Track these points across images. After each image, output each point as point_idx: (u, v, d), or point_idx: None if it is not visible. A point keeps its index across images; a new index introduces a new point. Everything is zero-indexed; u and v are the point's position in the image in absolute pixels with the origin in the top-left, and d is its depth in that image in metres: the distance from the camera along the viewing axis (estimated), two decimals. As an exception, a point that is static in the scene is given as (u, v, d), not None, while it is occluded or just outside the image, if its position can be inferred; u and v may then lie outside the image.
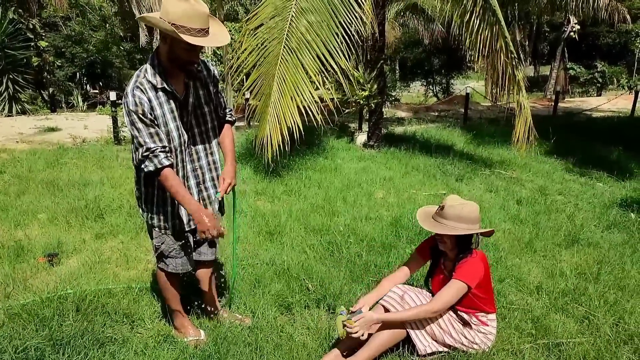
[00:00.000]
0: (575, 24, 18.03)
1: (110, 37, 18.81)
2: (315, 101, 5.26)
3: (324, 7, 5.63)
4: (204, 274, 2.74)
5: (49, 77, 15.01)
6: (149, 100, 2.18)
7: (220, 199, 2.43)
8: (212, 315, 2.78)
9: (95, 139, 8.75)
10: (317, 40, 5.49)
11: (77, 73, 17.78)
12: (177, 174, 2.30)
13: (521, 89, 6.17)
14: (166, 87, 2.22)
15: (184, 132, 2.32)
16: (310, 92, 5.35)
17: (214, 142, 2.48)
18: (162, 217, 2.40)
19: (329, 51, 5.50)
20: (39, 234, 4.05)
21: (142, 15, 2.22)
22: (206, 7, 2.11)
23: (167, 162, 2.19)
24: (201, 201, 2.46)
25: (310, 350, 2.49)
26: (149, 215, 2.42)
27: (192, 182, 2.41)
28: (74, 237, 4.00)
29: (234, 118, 2.60)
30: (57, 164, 6.45)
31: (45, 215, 4.47)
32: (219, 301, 2.89)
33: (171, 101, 2.25)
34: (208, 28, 2.14)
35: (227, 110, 2.56)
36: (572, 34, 18.27)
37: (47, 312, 2.68)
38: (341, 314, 2.70)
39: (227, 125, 2.57)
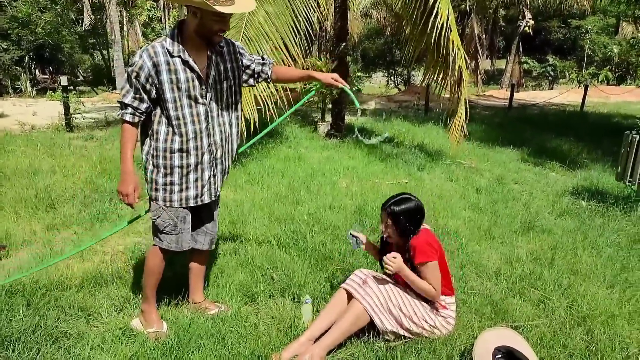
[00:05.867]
0: (530, 19, 18.62)
1: (60, 20, 17.89)
2: (272, 94, 5.22)
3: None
4: (195, 263, 2.71)
5: (-7, 60, 14.17)
6: (157, 65, 2.20)
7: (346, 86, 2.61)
8: (195, 304, 2.72)
9: (45, 126, 8.34)
10: (274, 32, 5.46)
11: (25, 57, 16.85)
12: (187, 144, 2.31)
13: (462, 89, 6.21)
14: (182, 56, 2.22)
15: (201, 105, 2.31)
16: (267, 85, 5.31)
17: (229, 117, 2.47)
18: (167, 188, 2.36)
19: (285, 45, 5.48)
20: (-16, 226, 3.81)
21: None
22: None
23: (128, 118, 2.26)
24: (212, 178, 2.45)
25: (275, 340, 2.45)
26: (153, 186, 2.38)
27: (207, 157, 2.39)
28: (23, 229, 3.79)
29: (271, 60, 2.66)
30: (3, 152, 6.11)
31: (-10, 205, 4.21)
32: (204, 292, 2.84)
33: (187, 70, 2.25)
34: None
35: (265, 57, 2.62)
36: (526, 28, 18.87)
37: (-5, 307, 2.52)
38: (306, 303, 2.70)
39: (275, 67, 2.65)
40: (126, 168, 2.30)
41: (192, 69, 2.26)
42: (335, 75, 2.59)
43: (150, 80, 2.21)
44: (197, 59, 2.28)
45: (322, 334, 2.40)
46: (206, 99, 2.33)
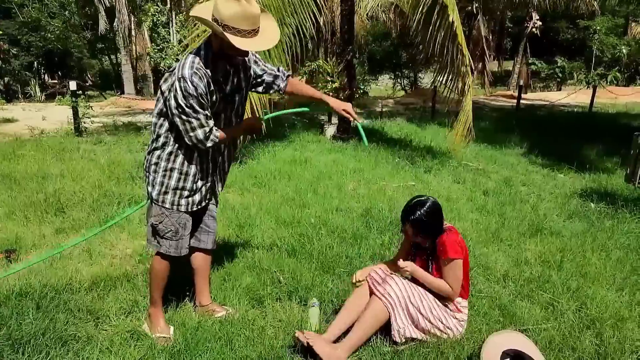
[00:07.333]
0: (537, 20, 18.53)
1: (69, 25, 18.09)
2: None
3: (281, 2, 5.60)
4: (200, 264, 2.71)
5: (3, 66, 14.36)
6: (206, 86, 2.22)
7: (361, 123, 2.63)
8: (202, 307, 2.72)
9: (54, 131, 8.42)
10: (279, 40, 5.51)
11: (34, 62, 17.06)
12: (203, 153, 2.39)
13: (467, 93, 6.21)
14: (214, 76, 2.26)
15: (221, 119, 2.40)
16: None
17: (234, 125, 2.52)
18: (178, 193, 2.39)
19: (291, 51, 5.51)
20: (-6, 230, 3.86)
21: (194, 13, 2.22)
22: (257, 8, 2.14)
23: (219, 134, 2.32)
24: (214, 183, 2.57)
25: (282, 343, 2.46)
26: (162, 189, 2.38)
27: (211, 165, 2.48)
28: (32, 233, 3.83)
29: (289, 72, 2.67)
30: (13, 156, 6.17)
31: (1, 209, 4.26)
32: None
33: (217, 89, 2.30)
34: (258, 27, 2.17)
35: (281, 69, 2.62)
36: (534, 29, 18.77)
37: (5, 310, 2.55)
38: (313, 306, 2.70)
39: (291, 80, 2.64)
40: (241, 127, 2.50)
41: (221, 87, 2.31)
42: (348, 106, 2.53)
43: (207, 96, 2.23)
44: (222, 75, 2.32)
45: (341, 335, 2.41)
46: (225, 111, 2.40)
